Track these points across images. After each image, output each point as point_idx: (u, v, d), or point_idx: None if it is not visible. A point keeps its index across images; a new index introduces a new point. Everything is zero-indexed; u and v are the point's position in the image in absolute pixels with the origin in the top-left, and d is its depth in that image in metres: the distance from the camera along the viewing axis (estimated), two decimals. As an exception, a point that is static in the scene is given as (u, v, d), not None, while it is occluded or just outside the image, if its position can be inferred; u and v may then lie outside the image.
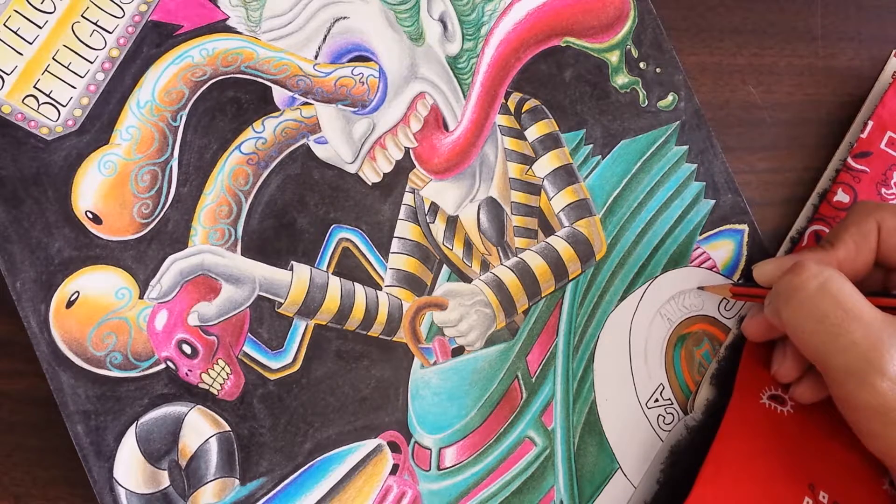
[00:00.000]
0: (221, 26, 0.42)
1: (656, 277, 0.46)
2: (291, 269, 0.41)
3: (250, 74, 0.42)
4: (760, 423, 0.43)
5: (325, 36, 0.43)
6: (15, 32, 0.40)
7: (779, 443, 0.42)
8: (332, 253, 0.42)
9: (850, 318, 0.35)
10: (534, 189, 0.45)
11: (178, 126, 0.41)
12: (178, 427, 0.39)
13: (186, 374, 0.39)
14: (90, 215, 0.39)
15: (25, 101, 0.39)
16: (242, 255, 0.41)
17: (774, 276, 0.40)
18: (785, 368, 0.42)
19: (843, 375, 0.35)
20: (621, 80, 0.47)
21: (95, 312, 0.39)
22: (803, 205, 0.48)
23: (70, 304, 0.39)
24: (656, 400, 0.44)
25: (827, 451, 0.42)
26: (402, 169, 0.44)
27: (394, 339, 0.42)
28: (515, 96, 0.46)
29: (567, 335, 0.44)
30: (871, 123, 0.48)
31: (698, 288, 0.45)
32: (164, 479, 0.39)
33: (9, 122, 0.39)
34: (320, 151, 0.43)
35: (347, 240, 0.43)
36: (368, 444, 0.41)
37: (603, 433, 0.44)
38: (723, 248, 0.47)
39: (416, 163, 0.44)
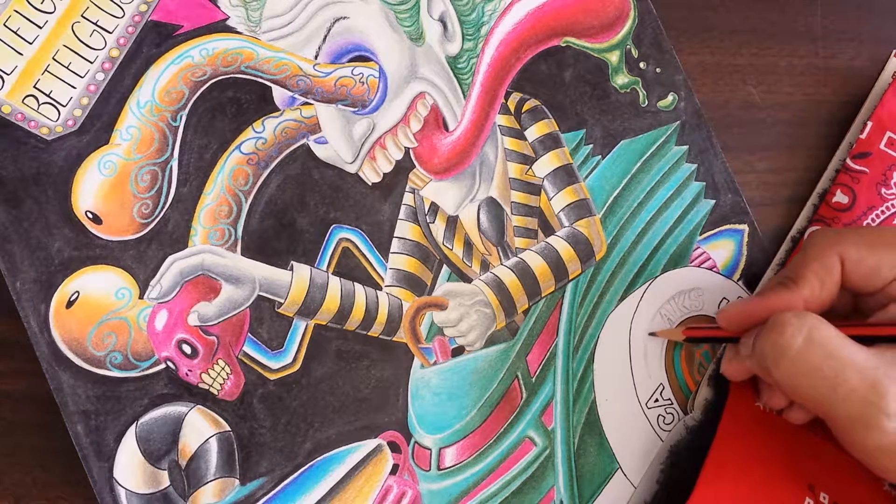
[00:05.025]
0: (221, 26, 0.42)
1: (656, 277, 0.46)
2: (291, 269, 0.41)
3: (250, 74, 0.42)
4: (758, 425, 0.42)
5: (325, 36, 0.43)
6: (15, 32, 0.40)
7: (779, 444, 0.42)
8: (332, 253, 0.42)
9: (844, 367, 0.35)
10: (534, 189, 0.45)
11: (178, 126, 0.41)
12: (178, 427, 0.39)
13: (186, 374, 0.39)
14: (90, 215, 0.39)
15: (25, 101, 0.39)
16: (242, 255, 0.41)
17: (741, 322, 0.40)
18: (774, 400, 0.41)
19: (848, 423, 0.35)
20: (621, 80, 0.47)
21: (95, 312, 0.39)
22: (803, 205, 0.48)
23: (70, 304, 0.39)
24: (656, 400, 0.44)
25: (827, 451, 0.42)
26: (402, 169, 0.44)
27: (394, 339, 0.42)
28: (515, 96, 0.46)
29: (567, 335, 0.44)
30: (870, 124, 0.48)
31: (649, 334, 0.44)
32: (164, 479, 0.39)
33: (9, 122, 0.39)
34: (320, 151, 0.43)
35: (347, 240, 0.43)
36: (368, 444, 0.41)
37: (603, 433, 0.44)
38: (723, 248, 0.47)
39: (416, 163, 0.44)
